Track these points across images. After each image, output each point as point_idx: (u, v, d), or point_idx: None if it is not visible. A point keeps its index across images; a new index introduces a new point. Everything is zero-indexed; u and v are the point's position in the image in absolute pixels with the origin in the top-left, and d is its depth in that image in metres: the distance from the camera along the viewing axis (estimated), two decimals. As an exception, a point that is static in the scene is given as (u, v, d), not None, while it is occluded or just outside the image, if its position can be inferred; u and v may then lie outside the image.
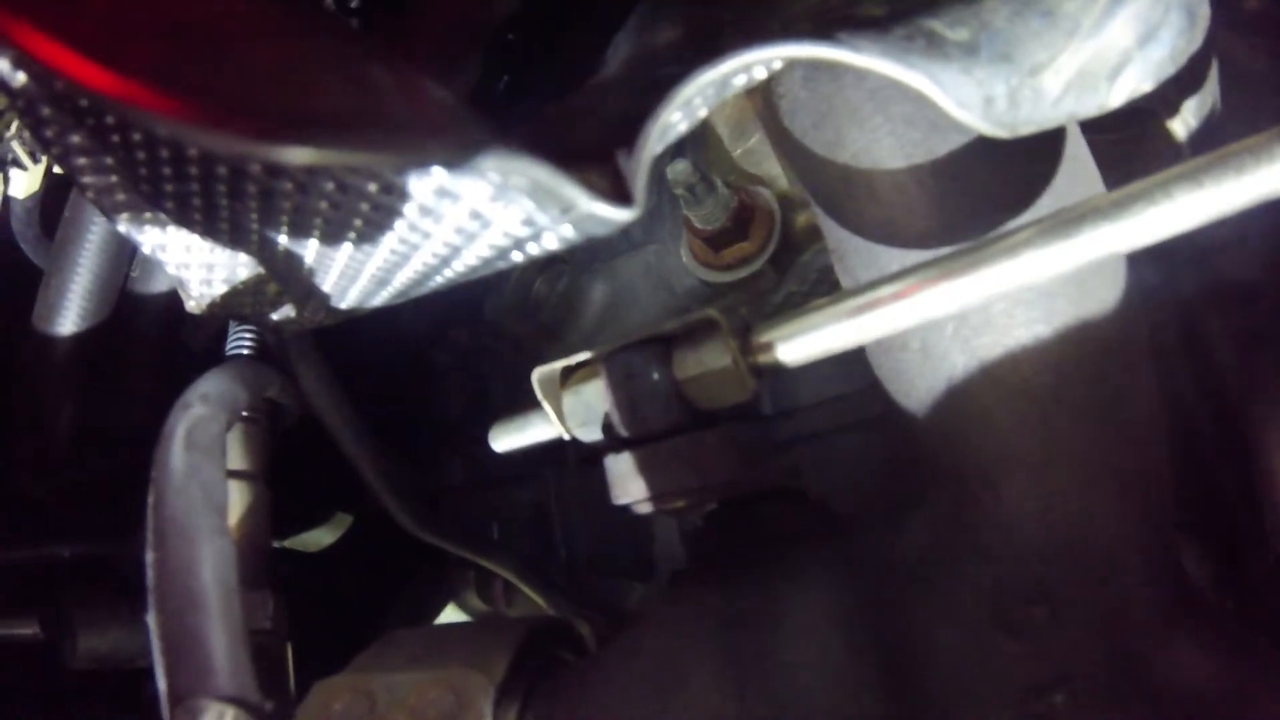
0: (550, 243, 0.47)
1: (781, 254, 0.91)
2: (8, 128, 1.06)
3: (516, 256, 0.51)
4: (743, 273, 0.91)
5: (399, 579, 1.46)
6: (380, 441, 1.07)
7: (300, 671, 1.05)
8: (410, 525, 1.10)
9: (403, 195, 0.46)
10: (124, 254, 1.12)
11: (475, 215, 0.46)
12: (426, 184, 0.43)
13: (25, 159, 1.07)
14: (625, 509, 0.65)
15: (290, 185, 0.46)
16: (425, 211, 0.47)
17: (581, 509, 1.21)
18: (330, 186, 0.48)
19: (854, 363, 0.95)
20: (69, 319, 1.10)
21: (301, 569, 1.41)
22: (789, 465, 0.96)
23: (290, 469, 1.09)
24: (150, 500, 0.62)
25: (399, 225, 0.50)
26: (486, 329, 1.22)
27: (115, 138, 0.57)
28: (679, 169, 0.83)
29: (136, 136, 0.55)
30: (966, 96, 0.44)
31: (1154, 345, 0.86)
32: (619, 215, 0.40)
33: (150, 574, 0.57)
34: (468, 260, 0.52)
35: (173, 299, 1.19)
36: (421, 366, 1.34)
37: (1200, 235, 0.85)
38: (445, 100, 0.45)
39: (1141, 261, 0.87)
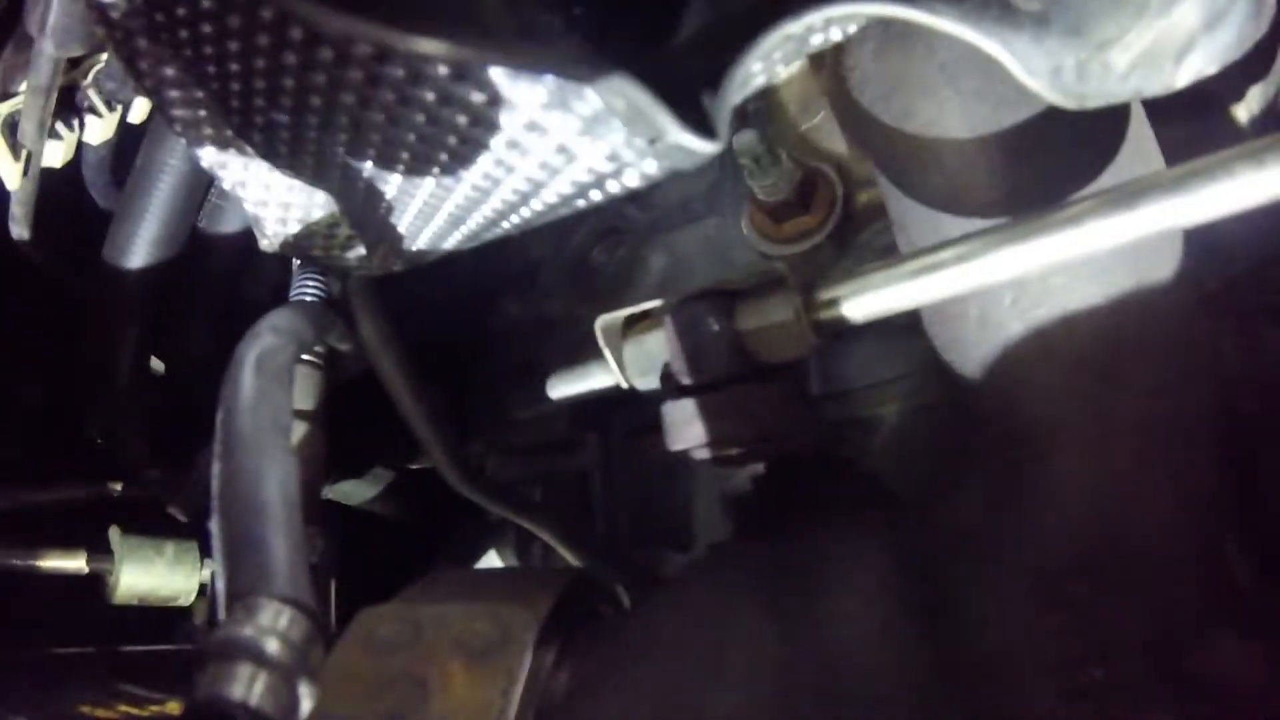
0: (631, 179, 0.48)
1: (842, 230, 0.92)
2: (86, 75, 1.08)
3: (595, 195, 0.52)
4: (803, 246, 0.92)
5: (437, 537, 1.49)
6: (432, 397, 1.09)
7: (338, 619, 1.07)
8: (456, 481, 1.11)
9: (493, 127, 0.48)
10: (192, 203, 1.14)
11: (561, 149, 0.48)
12: (523, 110, 0.45)
13: (101, 106, 1.10)
14: (668, 479, 0.66)
15: (391, 96, 0.48)
16: (512, 145, 0.49)
17: (624, 479, 1.22)
18: (422, 115, 0.50)
19: (902, 347, 0.96)
20: (135, 263, 1.13)
21: (343, 520, 1.44)
22: (835, 437, 0.97)
23: (339, 417, 1.11)
24: (220, 418, 0.65)
25: (484, 159, 0.52)
26: (542, 295, 1.24)
27: (211, 68, 0.60)
28: (745, 139, 0.84)
29: (233, 66, 0.57)
30: (1036, 65, 0.46)
31: (1212, 351, 0.87)
32: (704, 147, 0.41)
33: (216, 484, 0.59)
34: (546, 198, 0.54)
35: (237, 251, 1.22)
36: (476, 329, 1.36)
37: (1261, 246, 0.86)
38: (558, 26, 0.47)
39: (1202, 266, 0.87)
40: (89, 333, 1.20)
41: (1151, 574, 0.60)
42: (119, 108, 1.13)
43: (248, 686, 0.50)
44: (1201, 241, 0.84)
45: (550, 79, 0.40)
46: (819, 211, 0.92)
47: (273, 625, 0.52)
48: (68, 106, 1.11)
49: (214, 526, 0.58)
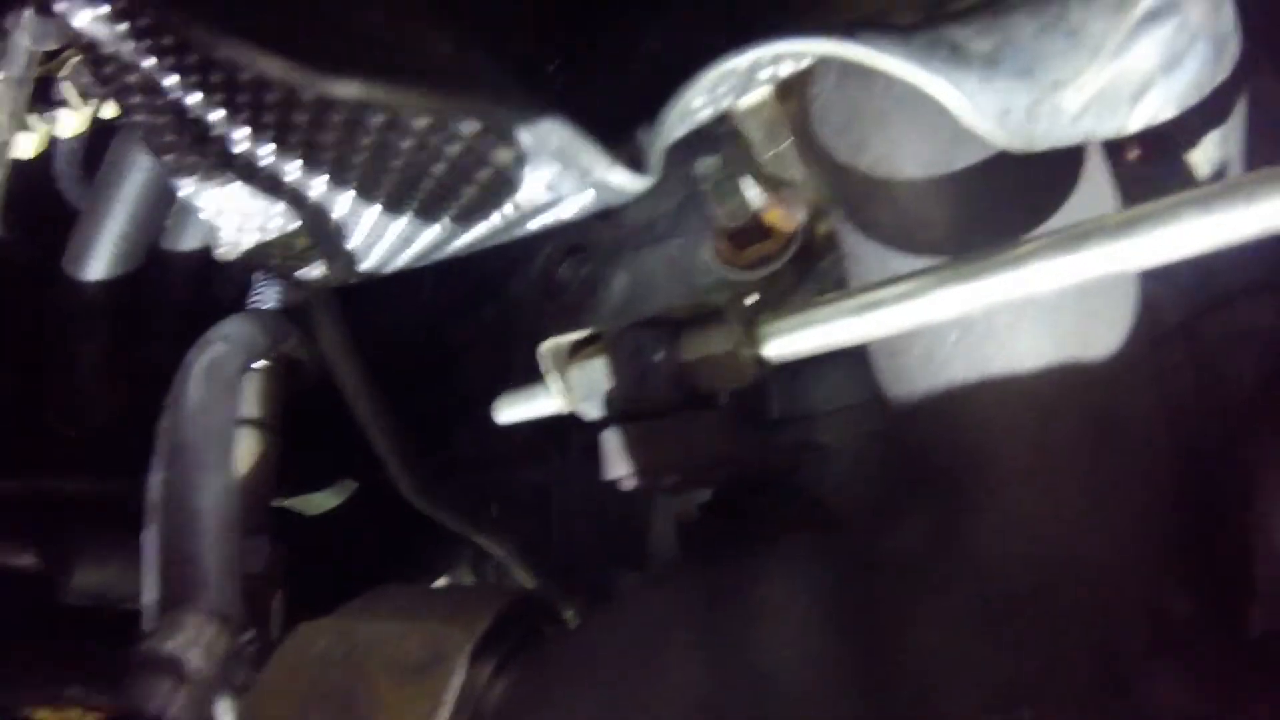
0: (568, 210, 0.48)
1: (803, 258, 0.92)
2: (61, 67, 1.08)
3: (535, 224, 0.52)
4: (763, 272, 0.92)
5: (396, 550, 1.48)
6: (391, 408, 1.09)
7: (290, 627, 1.07)
8: (412, 493, 1.11)
9: (435, 155, 0.48)
10: (161, 204, 1.14)
11: (501, 178, 0.48)
12: (462, 140, 0.45)
13: (75, 99, 1.09)
14: (626, 497, 0.66)
15: (333, 135, 0.48)
16: (454, 171, 0.49)
17: (582, 495, 1.22)
18: (369, 139, 0.50)
19: (864, 374, 0.97)
20: (101, 261, 1.12)
21: (301, 530, 1.43)
22: (789, 463, 0.97)
23: (302, 430, 1.11)
24: (164, 424, 0.64)
25: (427, 184, 0.52)
26: (508, 309, 1.24)
27: (169, 80, 0.60)
28: (708, 164, 0.85)
29: (190, 79, 0.57)
30: (984, 105, 0.46)
31: (1170, 385, 0.87)
32: (631, 184, 0.42)
33: (154, 492, 0.59)
34: (490, 223, 0.54)
35: (204, 253, 1.22)
36: (441, 342, 1.35)
37: (1223, 279, 0.87)
38: (490, 67, 0.47)
39: (1162, 301, 0.88)
40: (53, 330, 1.19)
41: (1093, 607, 0.60)
42: (94, 102, 1.13)
43: (167, 699, 0.50)
44: (1163, 277, 0.85)
45: (472, 126, 0.40)
46: (780, 238, 0.92)
47: (197, 639, 0.52)
48: (43, 99, 1.10)
49: (147, 536, 0.58)
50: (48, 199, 1.20)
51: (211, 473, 0.60)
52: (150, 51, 0.59)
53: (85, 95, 1.10)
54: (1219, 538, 0.85)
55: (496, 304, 1.28)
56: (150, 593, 0.54)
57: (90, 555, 1.20)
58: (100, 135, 1.16)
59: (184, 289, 1.24)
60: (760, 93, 1.01)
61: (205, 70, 0.51)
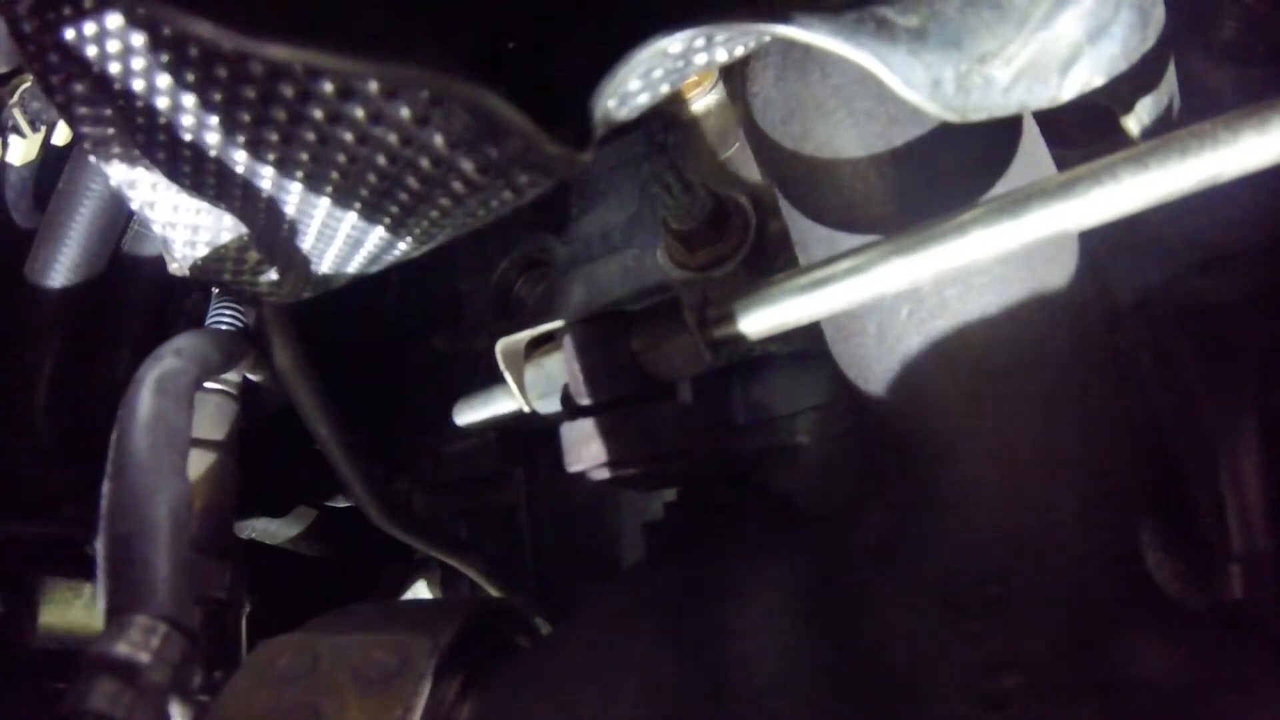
0: (511, 192, 0.48)
1: (755, 257, 0.93)
2: (12, 94, 1.08)
3: (480, 211, 0.52)
4: (716, 273, 0.93)
5: (365, 576, 1.46)
6: (352, 432, 1.08)
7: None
8: (378, 518, 1.10)
9: (376, 145, 0.48)
10: (114, 226, 1.14)
11: (440, 163, 0.48)
12: (400, 124, 0.45)
13: (25, 126, 1.09)
14: (594, 513, 0.66)
15: (283, 114, 0.48)
16: (394, 159, 0.49)
17: (550, 512, 1.22)
18: (313, 134, 0.50)
19: (823, 375, 0.97)
20: (55, 284, 1.11)
21: (265, 560, 1.41)
22: (752, 459, 0.97)
23: (260, 455, 1.09)
24: (114, 436, 0.64)
25: (370, 174, 0.52)
26: (467, 328, 1.24)
27: (116, 85, 0.59)
28: (656, 167, 0.85)
29: (136, 84, 0.57)
30: (914, 78, 0.46)
31: (1129, 363, 0.89)
32: (573, 157, 0.42)
33: (105, 501, 0.58)
34: (432, 212, 0.54)
35: (161, 276, 1.21)
36: (400, 364, 1.35)
37: (1176, 257, 0.88)
38: (433, 41, 0.47)
39: (1117, 283, 0.89)
40: (4, 346, 1.18)
41: (1063, 576, 0.60)
42: (43, 129, 1.13)
43: (114, 701, 0.49)
44: (1112, 259, 0.87)
45: (416, 93, 0.40)
46: (732, 239, 0.92)
47: (145, 642, 0.51)
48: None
49: (98, 543, 0.57)
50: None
51: (163, 482, 0.60)
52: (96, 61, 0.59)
53: (34, 122, 1.10)
54: (1192, 505, 0.87)
55: (454, 327, 1.27)
56: (102, 599, 0.53)
57: (53, 597, 1.18)
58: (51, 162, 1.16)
59: (139, 312, 1.24)
60: (708, 99, 1.02)
61: (153, 48, 0.51)
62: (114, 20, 0.52)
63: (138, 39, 0.52)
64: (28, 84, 1.09)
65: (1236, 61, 0.87)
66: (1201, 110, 0.70)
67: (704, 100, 1.02)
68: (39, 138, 1.12)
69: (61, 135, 1.14)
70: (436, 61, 0.40)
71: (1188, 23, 0.87)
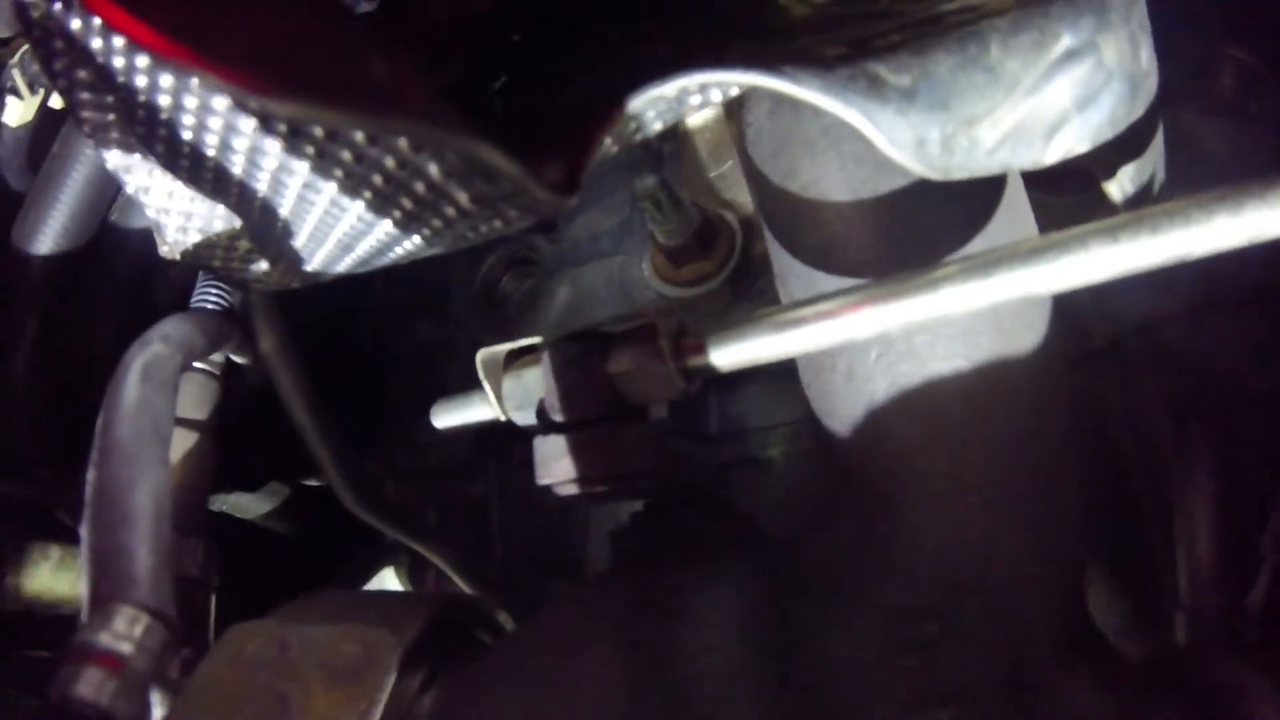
0: (499, 223, 0.50)
1: (739, 276, 0.94)
2: (12, 55, 1.07)
3: (470, 234, 0.54)
4: (699, 290, 0.94)
5: (332, 557, 1.47)
6: (330, 414, 1.09)
7: (223, 630, 1.06)
8: (350, 501, 1.11)
9: (373, 165, 0.49)
10: (104, 196, 1.13)
11: (433, 190, 0.49)
12: (396, 153, 0.46)
13: (24, 88, 1.09)
14: (563, 510, 0.68)
15: (277, 142, 0.49)
16: (389, 181, 0.51)
17: (521, 507, 1.23)
18: (311, 148, 0.51)
19: (796, 391, 0.99)
20: (41, 248, 1.11)
21: (235, 534, 1.42)
22: (718, 477, 0.99)
23: (235, 430, 1.10)
24: (99, 423, 0.65)
25: (366, 194, 0.53)
26: (450, 320, 1.25)
27: (120, 79, 0.60)
28: (647, 184, 0.87)
29: (140, 81, 0.58)
30: (899, 138, 0.48)
31: (1097, 403, 0.91)
32: (555, 200, 0.43)
33: (89, 490, 0.59)
34: (424, 232, 0.55)
35: (146, 248, 1.21)
36: (382, 351, 1.36)
37: (1147, 307, 0.90)
38: (423, 86, 0.49)
39: (1092, 324, 0.91)
40: None
41: (1004, 616, 0.62)
42: (41, 91, 1.12)
43: (98, 689, 0.50)
44: (1090, 301, 0.88)
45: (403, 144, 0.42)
46: (717, 257, 0.94)
47: (129, 632, 0.53)
48: (-8, 86, 1.10)
49: (83, 531, 0.58)
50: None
51: (146, 471, 0.61)
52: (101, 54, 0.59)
53: (33, 84, 1.10)
54: (1146, 547, 0.89)
55: (437, 316, 1.28)
56: (85, 587, 0.55)
57: (20, 560, 1.19)
58: (47, 124, 1.16)
59: (122, 285, 1.23)
60: (705, 114, 1.03)
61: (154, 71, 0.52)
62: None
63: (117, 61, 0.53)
64: (27, 46, 1.08)
65: (1230, 118, 0.89)
66: (1192, 166, 0.72)
67: (703, 114, 1.03)
68: (37, 100, 1.11)
69: (59, 99, 1.14)
70: (430, 108, 0.42)
71: (1182, 78, 0.89)
